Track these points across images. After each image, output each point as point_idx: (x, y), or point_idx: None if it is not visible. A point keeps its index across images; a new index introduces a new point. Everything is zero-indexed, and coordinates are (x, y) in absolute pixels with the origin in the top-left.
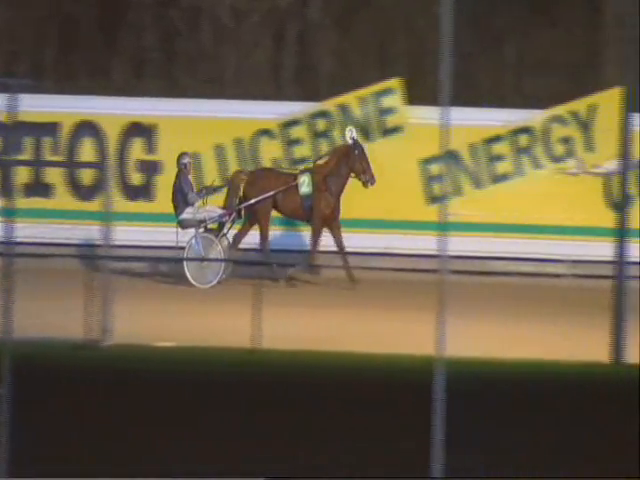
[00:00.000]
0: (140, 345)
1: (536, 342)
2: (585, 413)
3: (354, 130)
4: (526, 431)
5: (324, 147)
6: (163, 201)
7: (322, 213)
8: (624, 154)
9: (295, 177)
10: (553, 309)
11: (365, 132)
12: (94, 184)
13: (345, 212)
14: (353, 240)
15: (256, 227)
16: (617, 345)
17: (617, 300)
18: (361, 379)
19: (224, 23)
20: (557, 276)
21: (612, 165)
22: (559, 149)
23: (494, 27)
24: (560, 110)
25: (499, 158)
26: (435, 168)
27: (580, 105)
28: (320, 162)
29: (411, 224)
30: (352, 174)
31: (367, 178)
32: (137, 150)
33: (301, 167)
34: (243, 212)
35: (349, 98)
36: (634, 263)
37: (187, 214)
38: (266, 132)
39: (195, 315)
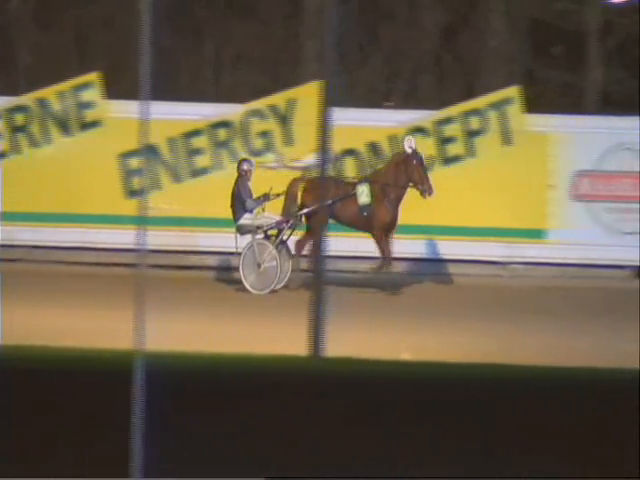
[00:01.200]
0: None
1: (237, 335)
2: (286, 404)
3: (413, 139)
4: (232, 425)
5: (23, 142)
6: None
7: (383, 222)
8: (323, 148)
9: (354, 186)
10: (250, 303)
11: (64, 126)
12: None
13: (50, 206)
14: (58, 235)
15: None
16: (316, 338)
17: (316, 293)
18: (59, 375)
19: None
20: None
21: (311, 159)
22: (258, 143)
23: (194, 21)
24: (259, 104)
25: (198, 152)
26: (134, 162)
27: (279, 99)
28: (379, 171)
29: (110, 218)
30: (410, 183)
31: (425, 188)
32: None
33: (360, 176)
34: (303, 219)
35: (48, 92)
36: (332, 257)
37: (245, 220)
38: None
39: None
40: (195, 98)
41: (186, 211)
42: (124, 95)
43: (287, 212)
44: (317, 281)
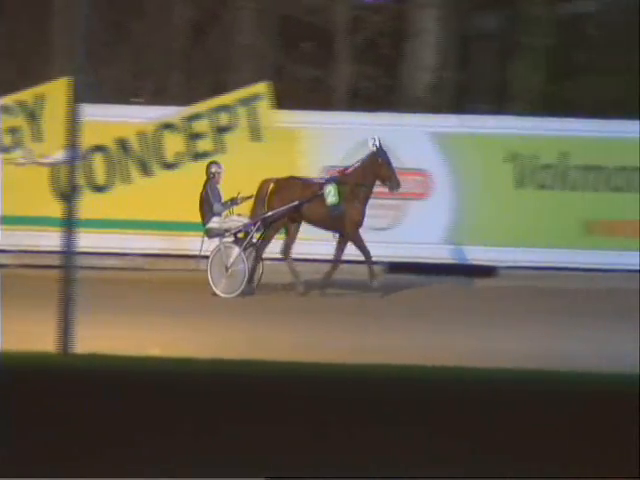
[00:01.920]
0: None
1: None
2: (32, 400)
3: (377, 138)
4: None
5: None
6: None
7: (354, 221)
8: (72, 144)
9: (321, 186)
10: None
11: None
12: None
13: None
14: None
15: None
16: (65, 335)
17: (64, 290)
18: None
19: None
20: (3, 266)
21: (61, 155)
22: (7, 139)
23: None
24: (7, 100)
25: None
26: None
27: (27, 95)
28: (347, 171)
29: None
30: (377, 181)
31: (392, 184)
32: None
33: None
34: (268, 221)
35: None
36: (81, 253)
37: (213, 223)
38: None
39: None
40: None
41: None
42: None
43: (256, 214)
44: (66, 278)
